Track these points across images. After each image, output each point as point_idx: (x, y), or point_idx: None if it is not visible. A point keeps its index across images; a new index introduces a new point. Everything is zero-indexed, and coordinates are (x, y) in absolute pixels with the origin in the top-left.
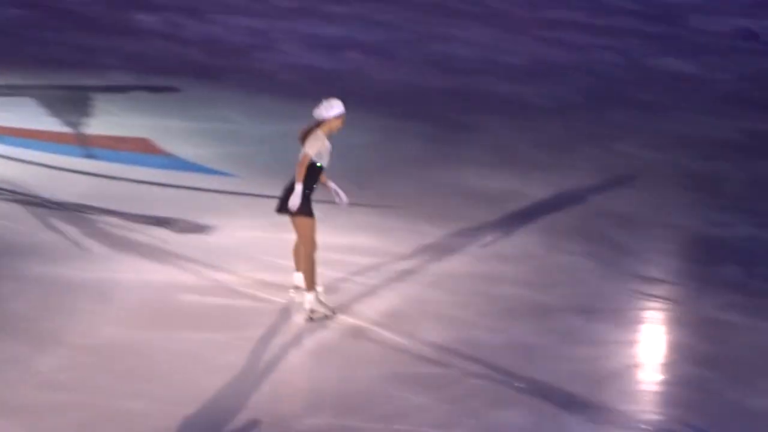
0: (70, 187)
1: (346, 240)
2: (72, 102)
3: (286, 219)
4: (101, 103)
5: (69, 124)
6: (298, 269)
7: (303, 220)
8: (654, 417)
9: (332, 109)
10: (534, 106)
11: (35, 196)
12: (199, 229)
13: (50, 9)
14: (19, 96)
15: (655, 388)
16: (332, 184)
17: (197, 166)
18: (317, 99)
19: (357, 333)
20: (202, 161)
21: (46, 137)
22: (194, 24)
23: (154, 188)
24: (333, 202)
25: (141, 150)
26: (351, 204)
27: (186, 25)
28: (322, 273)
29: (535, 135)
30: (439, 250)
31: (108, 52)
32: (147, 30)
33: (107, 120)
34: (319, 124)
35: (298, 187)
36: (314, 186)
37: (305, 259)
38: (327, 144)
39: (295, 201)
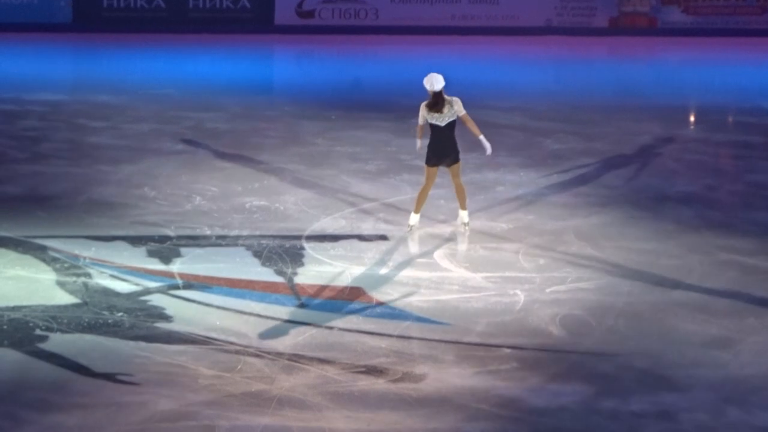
0: (285, 337)
1: None
2: (283, 251)
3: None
4: (312, 251)
5: (280, 273)
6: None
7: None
8: None
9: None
10: None
11: (250, 347)
12: (413, 378)
13: None
14: (231, 246)
15: None
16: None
17: (408, 314)
18: None
19: None
20: (413, 309)
21: (259, 287)
22: None
23: (365, 336)
24: None
25: (355, 299)
26: None
27: None
28: None
29: None
30: None
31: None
32: None
33: (318, 269)
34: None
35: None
36: None
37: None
38: None
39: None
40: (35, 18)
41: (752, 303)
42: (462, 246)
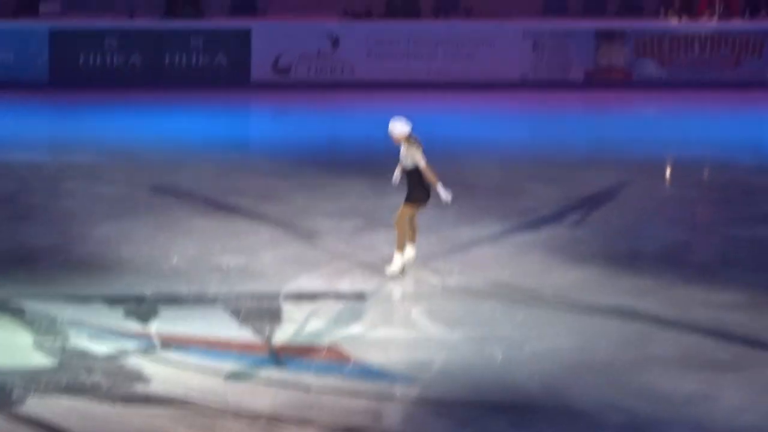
0: (263, 398)
1: None
2: (260, 311)
3: None
4: (289, 310)
5: (258, 333)
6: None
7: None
8: None
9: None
10: None
11: (228, 408)
12: None
13: None
14: (208, 306)
15: None
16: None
17: (386, 373)
18: None
19: None
20: (391, 368)
21: (237, 347)
22: None
23: (344, 397)
24: None
25: (333, 358)
26: None
27: None
28: None
29: None
30: None
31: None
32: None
33: (295, 328)
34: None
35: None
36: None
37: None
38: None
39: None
40: (12, 75)
41: (729, 358)
42: (439, 303)
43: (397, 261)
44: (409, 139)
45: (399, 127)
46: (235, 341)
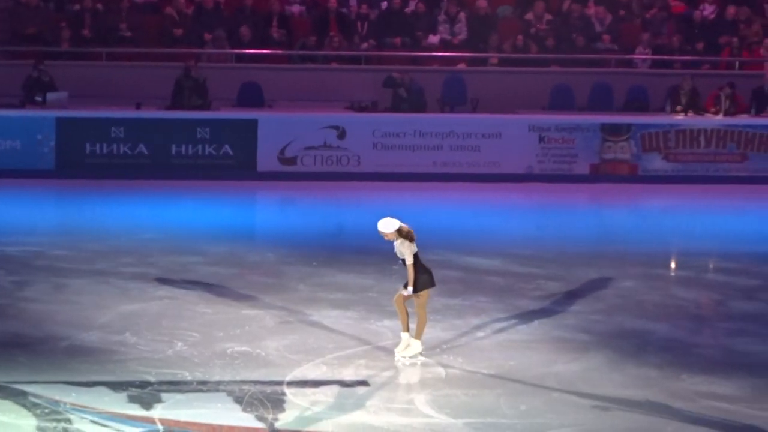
0: None
1: None
2: (264, 396)
3: None
4: (293, 397)
5: (261, 419)
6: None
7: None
8: None
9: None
10: None
11: None
12: None
13: None
14: (212, 391)
15: None
16: None
17: None
18: None
19: None
20: None
21: None
22: None
23: None
24: None
25: None
26: None
27: None
28: None
29: None
30: None
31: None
32: None
33: (299, 415)
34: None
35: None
36: None
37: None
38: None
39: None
40: (18, 164)
41: None
42: (443, 392)
43: (404, 341)
44: (400, 234)
45: (387, 226)
46: (237, 427)
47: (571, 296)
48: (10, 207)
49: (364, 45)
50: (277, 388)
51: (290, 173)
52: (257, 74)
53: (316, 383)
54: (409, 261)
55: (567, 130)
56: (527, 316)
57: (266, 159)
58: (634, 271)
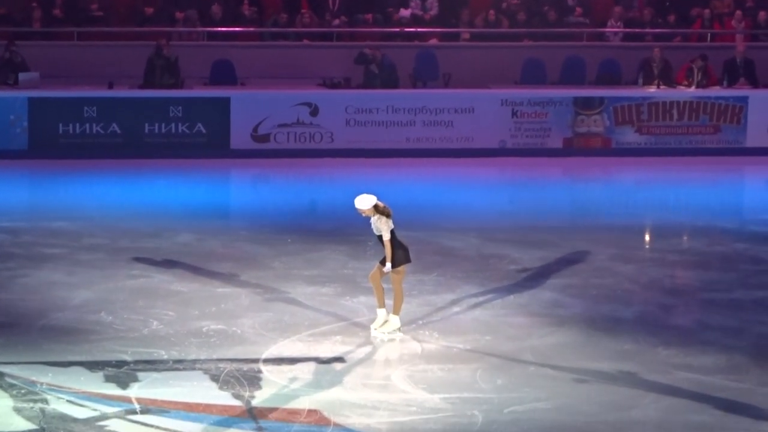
0: None
1: None
2: (240, 374)
3: None
4: (269, 374)
5: (238, 397)
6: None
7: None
8: None
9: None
10: None
11: None
12: None
13: None
14: (188, 370)
15: None
16: None
17: None
18: None
19: None
20: None
21: (217, 411)
22: None
23: None
24: None
25: (313, 422)
26: None
27: None
28: None
29: None
30: None
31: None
32: None
33: (275, 392)
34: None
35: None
36: None
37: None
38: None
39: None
40: None
41: (711, 421)
42: (419, 367)
43: (381, 317)
44: (377, 210)
45: (364, 203)
46: (214, 405)
47: (545, 271)
48: None
49: (336, 21)
50: (254, 365)
51: (263, 151)
52: (229, 52)
53: (293, 360)
54: (387, 237)
55: (540, 104)
56: (502, 291)
57: (239, 137)
58: (608, 244)
